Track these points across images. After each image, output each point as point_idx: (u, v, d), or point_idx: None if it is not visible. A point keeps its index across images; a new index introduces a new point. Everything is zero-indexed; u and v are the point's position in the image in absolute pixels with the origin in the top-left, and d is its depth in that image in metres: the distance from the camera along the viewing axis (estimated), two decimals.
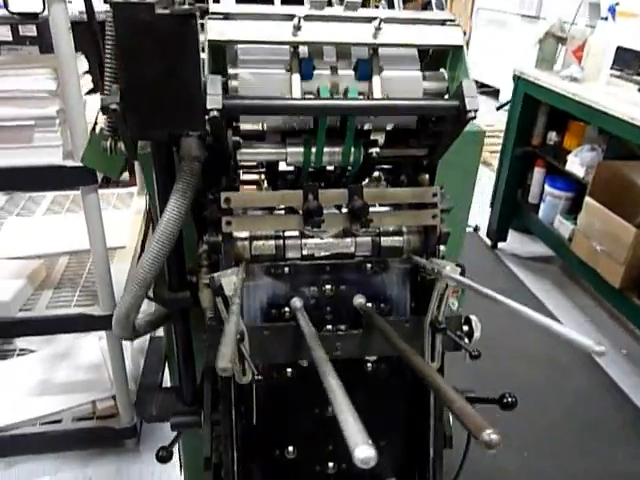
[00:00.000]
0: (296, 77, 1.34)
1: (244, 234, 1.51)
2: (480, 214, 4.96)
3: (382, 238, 1.56)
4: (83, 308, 2.47)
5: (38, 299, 2.58)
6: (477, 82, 3.87)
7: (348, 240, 1.54)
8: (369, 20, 1.31)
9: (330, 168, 1.55)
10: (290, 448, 1.64)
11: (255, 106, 1.26)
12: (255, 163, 1.73)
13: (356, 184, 1.49)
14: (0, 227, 3.18)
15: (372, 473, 1.71)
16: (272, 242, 1.51)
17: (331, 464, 1.66)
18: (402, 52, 1.43)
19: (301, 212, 1.45)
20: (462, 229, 1.80)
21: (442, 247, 1.64)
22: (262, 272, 1.55)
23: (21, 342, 3.38)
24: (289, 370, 1.59)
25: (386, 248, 1.58)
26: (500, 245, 4.90)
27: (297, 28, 1.29)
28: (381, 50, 1.40)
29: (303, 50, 1.39)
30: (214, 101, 1.18)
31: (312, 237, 1.52)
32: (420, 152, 1.51)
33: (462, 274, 1.44)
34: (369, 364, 1.62)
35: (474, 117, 1.27)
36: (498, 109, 5.06)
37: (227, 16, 1.30)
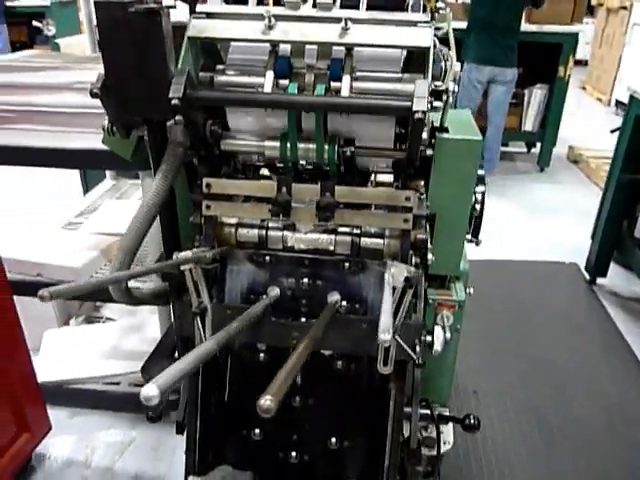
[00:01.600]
0: (270, 74, 1.42)
1: (232, 220, 1.62)
2: (580, 243, 4.60)
3: (362, 239, 1.57)
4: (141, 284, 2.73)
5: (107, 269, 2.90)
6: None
7: (327, 237, 1.58)
8: (340, 20, 1.35)
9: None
10: (257, 430, 1.70)
11: (212, 97, 1.36)
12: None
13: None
14: (99, 207, 3.62)
15: (333, 471, 1.71)
16: (256, 231, 1.60)
17: (294, 453, 1.70)
18: (381, 54, 1.45)
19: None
20: (459, 239, 1.73)
21: (430, 255, 1.61)
22: (245, 258, 1.64)
23: (106, 311, 3.80)
24: (260, 355, 1.67)
25: (366, 249, 1.58)
26: (599, 281, 4.48)
27: (269, 27, 1.37)
28: (358, 51, 1.43)
29: (286, 49, 1.46)
30: (175, 90, 1.30)
31: (294, 230, 1.57)
32: (398, 155, 1.50)
33: (413, 284, 1.41)
34: (339, 362, 1.64)
35: (422, 118, 1.25)
36: (612, 132, 4.63)
37: (210, 15, 1.42)
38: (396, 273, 1.34)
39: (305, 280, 1.61)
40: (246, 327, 1.29)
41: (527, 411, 3.20)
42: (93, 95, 1.35)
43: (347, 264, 1.59)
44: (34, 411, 2.61)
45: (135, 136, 1.62)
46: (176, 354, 1.88)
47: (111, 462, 2.87)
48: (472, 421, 1.52)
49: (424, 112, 1.24)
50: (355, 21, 1.36)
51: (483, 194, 2.57)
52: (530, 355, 3.63)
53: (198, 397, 1.63)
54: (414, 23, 1.36)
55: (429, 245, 1.63)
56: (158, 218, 1.62)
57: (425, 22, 1.35)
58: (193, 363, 0.96)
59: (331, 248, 1.59)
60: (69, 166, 3.11)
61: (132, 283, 1.61)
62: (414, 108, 1.24)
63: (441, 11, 1.48)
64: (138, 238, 1.51)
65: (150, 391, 0.77)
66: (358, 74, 1.45)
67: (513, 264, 4.75)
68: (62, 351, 3.30)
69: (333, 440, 1.66)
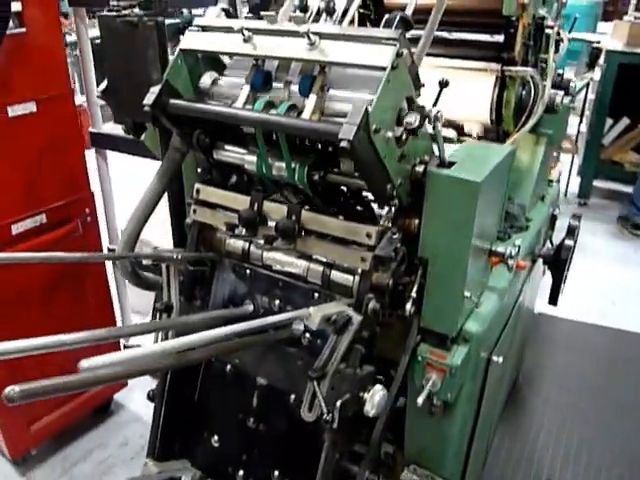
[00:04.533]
0: (246, 87, 1.40)
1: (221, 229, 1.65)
2: None
3: (333, 272, 1.47)
4: None
5: None
6: None
7: (300, 262, 1.50)
8: (311, 35, 1.27)
9: None
10: (216, 437, 1.71)
11: (180, 107, 1.38)
12: None
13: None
14: None
15: None
16: (240, 243, 1.60)
17: (241, 472, 1.66)
18: (357, 73, 1.32)
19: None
20: (455, 294, 1.46)
21: (408, 305, 1.43)
22: (229, 268, 1.66)
23: None
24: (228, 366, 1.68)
25: (335, 283, 1.47)
26: None
27: (246, 41, 1.36)
28: (335, 69, 1.34)
29: (272, 64, 1.43)
30: (148, 98, 1.37)
31: (272, 249, 1.53)
32: (358, 183, 1.36)
33: (336, 329, 1.26)
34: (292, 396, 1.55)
35: (346, 147, 1.11)
36: None
37: (204, 28, 1.46)
38: (314, 313, 1.22)
39: (277, 302, 1.57)
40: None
41: None
42: (100, 97, 1.50)
43: (316, 294, 1.51)
44: None
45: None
46: None
47: None
48: None
49: (349, 141, 1.10)
50: (325, 37, 1.27)
51: (569, 249, 2.17)
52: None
53: (166, 384, 1.68)
54: (379, 40, 1.21)
55: (414, 293, 1.45)
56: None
57: (391, 39, 1.19)
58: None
59: (303, 274, 1.51)
60: None
61: None
62: (340, 136, 1.11)
63: None
64: (136, 229, 1.62)
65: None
66: (332, 92, 1.35)
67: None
68: None
69: (276, 473, 1.58)
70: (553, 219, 2.46)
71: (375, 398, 1.31)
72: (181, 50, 1.45)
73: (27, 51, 2.01)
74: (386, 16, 1.31)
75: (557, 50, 2.26)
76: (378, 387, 1.33)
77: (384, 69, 1.18)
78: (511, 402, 2.94)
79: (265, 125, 1.28)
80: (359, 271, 1.40)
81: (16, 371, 1.79)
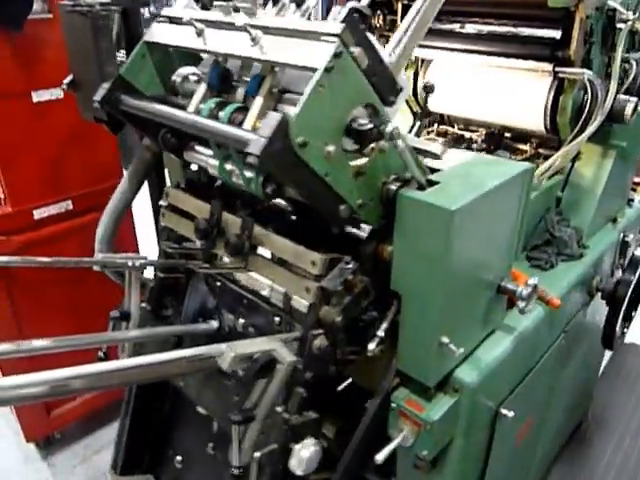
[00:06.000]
0: (203, 86, 1.26)
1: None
2: None
3: (294, 296, 1.30)
4: None
5: None
6: None
7: (265, 282, 1.36)
8: (251, 30, 1.10)
9: None
10: (179, 457, 1.63)
11: (128, 104, 1.27)
12: None
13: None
14: None
15: None
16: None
17: None
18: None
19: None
20: (429, 335, 1.21)
21: (371, 345, 1.23)
22: (200, 280, 1.56)
23: None
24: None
25: (295, 310, 1.31)
26: None
27: (198, 34, 1.22)
28: (288, 70, 1.15)
29: (236, 62, 1.28)
30: (97, 94, 1.28)
31: (221, 266, 1.41)
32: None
33: (252, 370, 1.08)
34: None
35: (254, 162, 0.93)
36: None
37: (171, 19, 1.34)
38: (227, 352, 1.05)
39: (240, 321, 1.44)
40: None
41: None
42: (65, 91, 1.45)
43: (277, 318, 1.35)
44: None
45: None
46: None
47: None
48: None
49: (257, 156, 0.92)
50: (270, 32, 1.09)
51: (628, 284, 1.77)
52: None
53: (131, 399, 1.62)
54: (319, 36, 1.00)
55: (381, 332, 1.23)
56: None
57: (333, 35, 0.98)
58: None
59: (267, 294, 1.36)
60: None
61: None
62: (247, 149, 0.94)
63: None
64: (109, 229, 1.57)
65: None
66: (289, 96, 1.17)
67: None
68: None
69: None
70: (624, 246, 2.05)
71: (303, 453, 1.12)
72: (145, 42, 1.34)
73: (53, 37, 2.01)
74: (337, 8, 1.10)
75: (633, 48, 1.86)
76: (309, 441, 1.14)
77: (314, 70, 0.98)
78: (574, 446, 2.54)
79: (193, 128, 1.13)
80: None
81: None
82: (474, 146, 2.18)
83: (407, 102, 2.17)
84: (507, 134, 2.18)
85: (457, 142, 2.20)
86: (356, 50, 1.03)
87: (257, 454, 1.11)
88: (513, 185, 1.27)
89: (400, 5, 2.00)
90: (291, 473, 1.16)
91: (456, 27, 1.95)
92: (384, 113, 1.12)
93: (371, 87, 1.09)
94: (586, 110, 1.73)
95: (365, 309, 1.23)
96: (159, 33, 1.34)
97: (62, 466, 2.56)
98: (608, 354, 3.10)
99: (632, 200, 2.22)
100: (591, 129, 1.71)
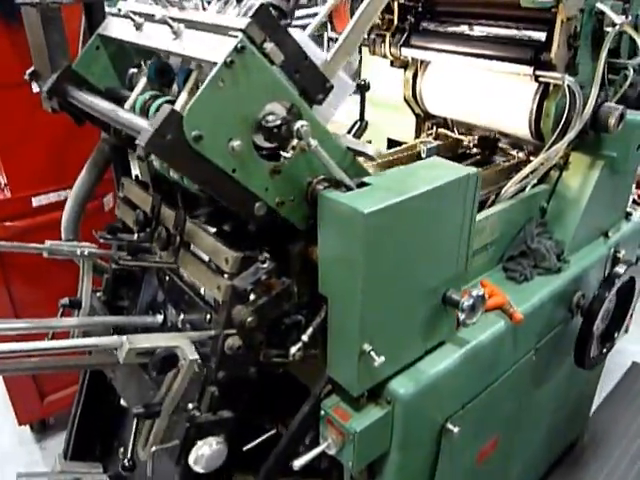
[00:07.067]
0: (143, 80, 1.27)
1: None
2: None
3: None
4: None
5: None
6: None
7: (199, 278, 1.35)
8: (172, 23, 1.10)
9: None
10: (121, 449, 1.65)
11: (73, 97, 1.29)
12: None
13: None
14: None
15: None
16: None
17: None
18: None
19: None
20: (351, 342, 1.16)
21: (293, 349, 1.20)
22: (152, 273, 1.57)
23: None
24: None
25: None
26: None
27: (137, 28, 1.23)
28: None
29: None
30: (46, 84, 1.31)
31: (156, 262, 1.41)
32: None
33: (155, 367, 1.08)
34: None
35: (140, 154, 0.93)
36: None
37: (136, 14, 1.34)
38: (124, 345, 1.04)
39: (181, 317, 1.44)
40: None
41: None
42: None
43: (208, 316, 1.34)
44: None
45: None
46: None
47: None
48: None
49: (144, 150, 0.92)
50: (191, 25, 1.08)
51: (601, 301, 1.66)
52: None
53: (83, 388, 1.65)
54: (226, 30, 0.98)
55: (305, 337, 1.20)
56: None
57: (237, 29, 0.96)
58: None
59: (202, 292, 1.36)
60: None
61: None
62: (137, 141, 0.93)
63: None
64: (72, 216, 1.61)
65: None
66: None
67: None
68: None
69: None
70: (616, 262, 1.93)
71: (202, 450, 1.11)
72: (98, 35, 1.36)
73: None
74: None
75: (635, 55, 1.74)
76: (211, 439, 1.12)
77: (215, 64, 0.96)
78: (565, 468, 2.41)
79: (112, 120, 1.14)
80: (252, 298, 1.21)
81: None
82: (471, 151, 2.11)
83: (408, 104, 2.12)
84: (504, 140, 2.10)
85: (455, 146, 2.14)
86: (269, 46, 1.01)
87: (153, 448, 1.11)
88: (451, 190, 1.21)
89: (397, 4, 1.95)
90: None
91: (442, 27, 1.90)
92: (306, 111, 1.09)
93: (291, 84, 1.07)
94: (564, 117, 1.63)
95: (287, 312, 1.21)
96: (111, 26, 1.35)
97: (53, 450, 2.62)
98: (618, 375, 2.94)
99: (630, 214, 2.08)
100: (569, 136, 1.62)
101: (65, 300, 1.49)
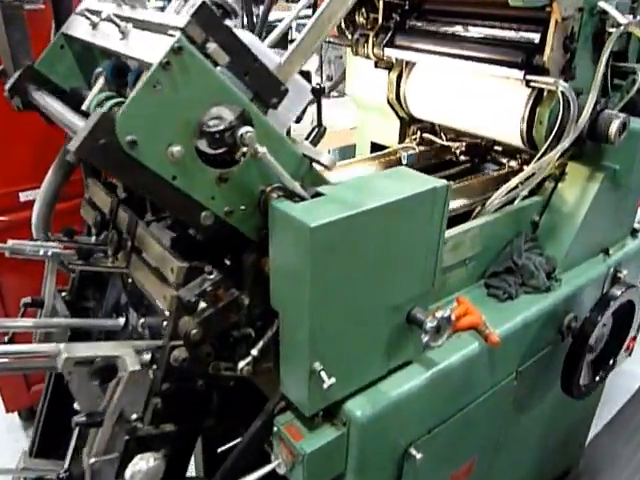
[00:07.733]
0: (101, 80, 1.23)
1: None
2: None
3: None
4: None
5: None
6: None
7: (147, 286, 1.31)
8: (119, 22, 1.05)
9: None
10: None
11: (33, 97, 1.26)
12: None
13: None
14: None
15: None
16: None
17: None
18: None
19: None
20: (301, 360, 1.10)
21: (242, 364, 1.15)
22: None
23: None
24: None
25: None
26: None
27: (93, 27, 1.19)
28: None
29: None
30: (7, 84, 1.29)
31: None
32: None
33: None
34: None
35: (71, 160, 0.89)
36: None
37: (92, 12, 1.31)
38: (63, 352, 1.01)
39: (141, 321, 1.40)
40: None
41: None
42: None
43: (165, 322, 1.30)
44: None
45: None
46: None
47: None
48: None
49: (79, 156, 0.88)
50: (139, 25, 1.03)
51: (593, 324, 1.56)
52: None
53: (50, 386, 1.63)
54: (167, 30, 0.93)
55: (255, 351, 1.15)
56: None
57: (176, 28, 0.91)
58: None
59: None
60: None
61: None
62: (68, 146, 0.89)
63: None
64: (41, 216, 1.58)
65: None
66: None
67: None
68: None
69: None
70: (614, 282, 1.82)
71: (138, 467, 1.06)
72: (62, 34, 1.33)
73: (45, 27, 2.03)
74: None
75: None
76: (149, 455, 1.08)
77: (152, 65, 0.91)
78: None
79: (60, 122, 1.10)
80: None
81: None
82: (459, 159, 2.02)
83: (392, 107, 2.05)
84: (497, 147, 2.00)
85: (441, 153, 2.05)
86: (211, 46, 0.95)
87: (92, 460, 1.07)
88: (414, 204, 1.14)
89: (382, 3, 1.88)
90: None
91: (429, 27, 1.82)
92: (257, 116, 1.03)
93: (242, 87, 1.01)
94: (557, 125, 1.54)
95: (237, 324, 1.15)
96: (74, 25, 1.32)
97: None
98: (620, 402, 2.79)
99: (637, 231, 1.97)
100: (563, 145, 1.52)
101: (27, 299, 1.47)
